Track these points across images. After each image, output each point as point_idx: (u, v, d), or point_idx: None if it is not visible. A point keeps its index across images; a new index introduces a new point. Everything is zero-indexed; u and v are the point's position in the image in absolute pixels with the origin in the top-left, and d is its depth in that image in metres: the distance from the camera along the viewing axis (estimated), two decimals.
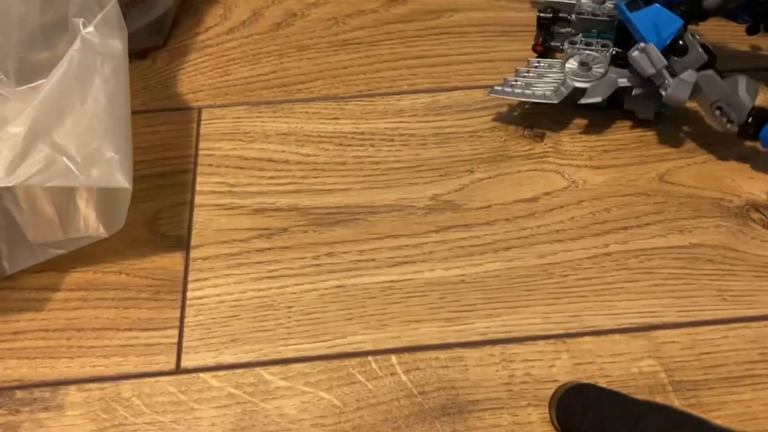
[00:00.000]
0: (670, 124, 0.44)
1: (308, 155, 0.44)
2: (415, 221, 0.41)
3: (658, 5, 0.40)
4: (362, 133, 0.46)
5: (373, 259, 0.39)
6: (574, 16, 0.47)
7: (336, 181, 0.43)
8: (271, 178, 0.43)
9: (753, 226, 0.41)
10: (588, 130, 0.46)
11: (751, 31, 0.45)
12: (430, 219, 0.41)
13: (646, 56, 0.40)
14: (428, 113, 0.47)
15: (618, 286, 0.38)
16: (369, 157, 0.44)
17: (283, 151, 0.45)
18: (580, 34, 0.46)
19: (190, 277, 0.38)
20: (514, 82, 0.45)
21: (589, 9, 0.47)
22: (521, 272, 0.38)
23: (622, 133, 0.46)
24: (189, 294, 0.37)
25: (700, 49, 0.40)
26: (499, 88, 0.44)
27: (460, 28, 0.53)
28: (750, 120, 0.41)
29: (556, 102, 0.43)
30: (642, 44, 0.40)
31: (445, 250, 0.39)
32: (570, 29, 0.47)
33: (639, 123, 0.45)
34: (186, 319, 0.36)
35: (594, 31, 0.46)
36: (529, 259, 0.39)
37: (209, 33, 0.52)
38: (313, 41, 0.52)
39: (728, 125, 0.41)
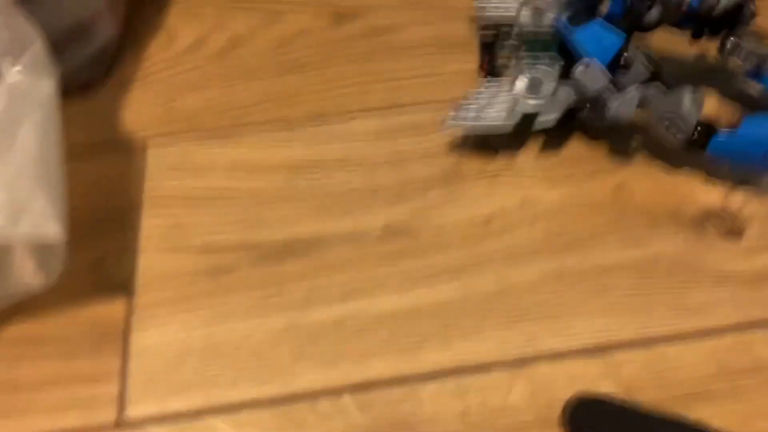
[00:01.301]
0: (624, 136, 0.44)
1: (257, 186, 0.43)
2: (368, 250, 0.40)
3: (599, 20, 0.39)
4: (313, 159, 0.45)
5: (324, 294, 0.38)
6: (515, 30, 0.47)
7: (286, 213, 0.42)
8: (219, 213, 0.42)
9: (710, 233, 0.40)
10: (542, 145, 0.45)
11: (695, 37, 0.45)
12: (383, 247, 0.40)
13: (590, 73, 0.40)
14: (380, 134, 0.46)
15: (574, 305, 0.37)
16: (320, 184, 0.44)
17: (232, 183, 0.43)
18: (524, 49, 0.45)
19: (134, 324, 0.37)
20: (466, 109, 0.44)
21: (530, 23, 0.46)
22: (476, 297, 0.38)
23: (576, 146, 0.45)
24: (132, 342, 0.36)
25: (644, 63, 0.39)
26: (452, 117, 0.44)
27: (410, 44, 0.52)
28: (697, 133, 0.40)
29: (510, 129, 0.42)
30: (585, 61, 0.40)
31: (399, 278, 0.39)
32: (513, 44, 0.47)
33: (593, 135, 0.45)
34: (129, 369, 0.35)
35: (539, 44, 0.45)
36: (483, 283, 0.38)
37: (154, 62, 0.51)
38: (261, 65, 0.51)
39: (676, 138, 0.41)
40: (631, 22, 0.40)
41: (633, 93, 0.40)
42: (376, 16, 0.54)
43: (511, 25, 0.47)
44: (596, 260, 0.39)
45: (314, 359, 0.35)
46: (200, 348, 0.36)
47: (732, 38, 0.43)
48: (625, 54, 0.40)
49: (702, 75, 0.48)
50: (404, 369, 0.35)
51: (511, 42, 0.47)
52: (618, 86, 0.40)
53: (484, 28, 0.47)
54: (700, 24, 0.43)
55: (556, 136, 0.45)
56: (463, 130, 0.44)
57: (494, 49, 0.48)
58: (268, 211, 0.42)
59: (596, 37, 0.40)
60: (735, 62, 0.43)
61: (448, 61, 0.50)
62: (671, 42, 0.45)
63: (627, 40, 0.40)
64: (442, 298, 0.38)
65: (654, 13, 0.40)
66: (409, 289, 0.38)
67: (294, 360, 0.35)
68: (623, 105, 0.40)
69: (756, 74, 0.43)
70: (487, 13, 0.49)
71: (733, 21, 0.43)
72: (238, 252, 0.40)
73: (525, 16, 0.47)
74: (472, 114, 0.44)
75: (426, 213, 0.41)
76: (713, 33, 0.44)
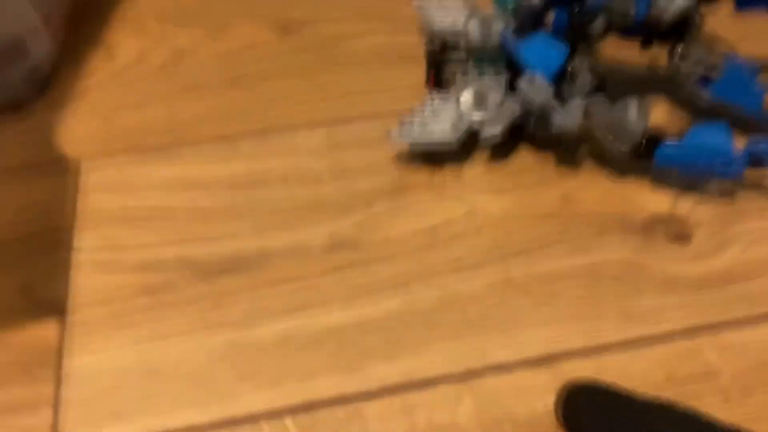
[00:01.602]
0: (571, 146, 0.43)
1: (197, 203, 0.42)
2: (311, 263, 0.39)
3: (543, 32, 0.39)
4: (255, 175, 0.44)
5: (266, 310, 0.37)
6: (462, 42, 0.46)
7: (227, 229, 0.40)
8: (157, 230, 0.40)
9: (658, 240, 0.40)
10: (489, 156, 0.44)
11: (645, 45, 0.45)
12: (327, 259, 0.39)
13: (534, 87, 0.39)
14: (325, 148, 0.45)
15: (521, 314, 0.36)
16: (262, 199, 0.42)
17: (171, 201, 0.42)
18: (472, 62, 0.45)
19: (67, 347, 0.35)
20: (410, 123, 0.43)
21: (477, 36, 0.46)
22: (422, 308, 0.37)
23: (523, 157, 0.45)
24: (65, 366, 0.35)
25: (589, 74, 0.39)
26: (397, 132, 0.43)
27: (358, 56, 0.52)
28: (643, 143, 0.40)
29: (454, 143, 0.42)
30: (529, 74, 0.39)
31: (343, 291, 0.37)
32: (461, 57, 0.46)
33: (541, 144, 0.44)
34: (63, 395, 0.33)
35: (486, 56, 0.45)
36: (429, 294, 0.37)
37: (92, 78, 0.50)
38: (204, 79, 0.50)
39: (622, 150, 0.41)
40: (576, 33, 0.40)
41: (577, 106, 0.39)
42: (324, 27, 0.53)
43: (458, 37, 0.47)
44: (544, 268, 0.38)
45: (255, 379, 0.34)
46: (137, 370, 0.34)
47: (681, 46, 0.43)
48: (570, 66, 0.40)
49: (652, 82, 0.48)
50: (348, 387, 0.34)
51: (459, 54, 0.47)
52: (563, 99, 0.40)
53: (431, 40, 0.46)
54: (649, 32, 0.44)
55: (503, 148, 0.44)
56: (409, 145, 0.43)
57: (441, 62, 0.47)
58: (209, 227, 0.41)
59: (540, 50, 0.39)
60: (684, 70, 0.43)
61: (398, 73, 0.49)
62: (622, 49, 0.45)
63: (571, 52, 0.40)
64: (388, 311, 0.37)
65: (599, 24, 0.39)
66: (354, 303, 0.37)
67: (235, 381, 0.34)
68: (568, 118, 0.39)
69: (705, 81, 0.43)
70: (434, 26, 0.49)
71: (681, 29, 0.43)
72: (176, 269, 0.39)
73: (472, 28, 0.46)
74: (416, 128, 0.43)
75: (371, 225, 0.41)
76: (663, 40, 0.44)
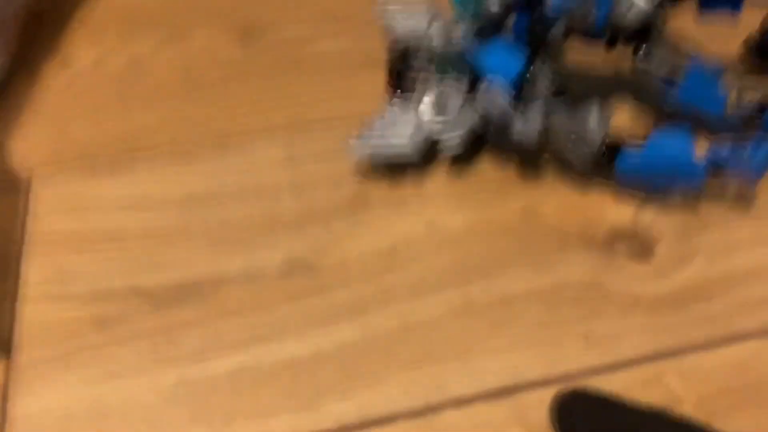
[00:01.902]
0: (533, 155, 0.42)
1: (150, 223, 0.41)
2: (266, 290, 0.38)
3: (502, 39, 0.38)
4: (211, 190, 0.42)
5: (219, 342, 0.36)
6: (424, 45, 0.45)
7: (180, 252, 0.39)
8: (108, 256, 0.39)
9: (618, 257, 0.39)
10: (451, 166, 0.43)
11: (609, 47, 0.43)
12: (282, 285, 0.38)
13: (491, 94, 0.38)
14: (284, 160, 0.44)
15: (480, 340, 0.36)
16: (217, 218, 0.41)
17: (123, 222, 0.41)
18: (434, 66, 0.43)
19: (11, 388, 0.34)
20: (369, 132, 0.42)
21: (439, 41, 0.44)
22: (379, 337, 0.36)
23: (485, 167, 0.44)
24: (9, 409, 0.34)
25: (550, 80, 0.38)
26: (356, 141, 0.42)
27: (322, 60, 0.50)
28: (603, 151, 0.39)
29: (413, 154, 0.41)
30: (487, 82, 0.38)
31: (299, 320, 0.37)
32: (422, 61, 0.45)
33: (503, 154, 0.43)
34: None
35: (448, 60, 0.43)
36: (387, 322, 0.36)
37: (47, 88, 0.48)
38: (161, 88, 0.48)
39: (582, 157, 0.40)
40: (536, 38, 0.39)
41: (536, 113, 0.38)
42: (286, 30, 0.52)
43: (420, 42, 0.45)
44: (503, 289, 0.38)
45: (206, 420, 0.33)
46: (86, 412, 0.34)
47: (645, 46, 0.42)
48: (529, 72, 0.38)
49: (617, 85, 0.47)
50: (303, 427, 0.33)
51: (420, 58, 0.45)
52: (522, 106, 0.39)
53: (392, 44, 0.45)
54: (612, 35, 0.42)
55: (465, 157, 0.43)
56: (368, 155, 0.42)
57: (402, 67, 0.46)
58: (161, 251, 0.39)
59: (499, 56, 0.38)
60: (648, 71, 0.42)
61: (363, 78, 0.48)
62: (587, 50, 0.43)
63: (532, 58, 0.38)
64: (344, 340, 0.36)
65: (559, 29, 0.38)
66: (309, 333, 0.36)
67: (186, 422, 0.33)
68: (527, 126, 0.38)
69: (669, 83, 0.42)
70: (396, 30, 0.47)
71: (645, 31, 0.42)
72: (128, 299, 0.37)
73: (434, 32, 0.45)
74: (375, 140, 0.42)
75: (328, 246, 0.39)
76: (628, 41, 0.43)
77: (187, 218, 0.41)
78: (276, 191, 0.42)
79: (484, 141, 0.43)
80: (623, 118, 0.46)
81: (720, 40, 0.46)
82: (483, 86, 0.38)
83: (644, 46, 0.41)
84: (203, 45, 0.51)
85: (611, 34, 0.42)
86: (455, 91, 0.42)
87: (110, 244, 0.40)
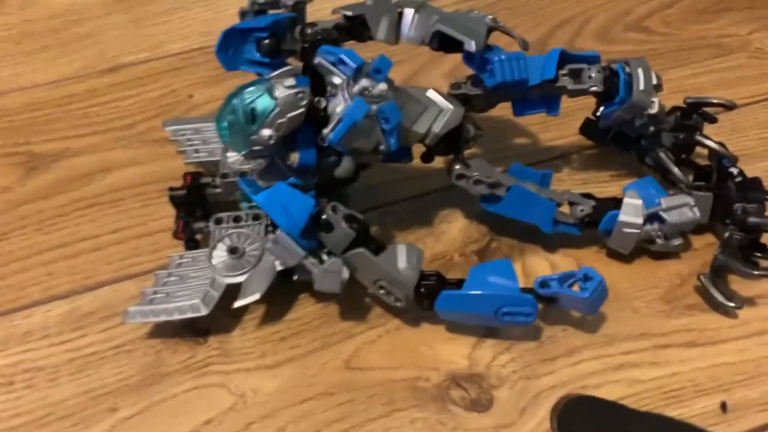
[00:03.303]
0: (356, 288, 0.37)
1: None
2: None
3: (281, 183, 0.33)
4: None
5: None
6: (218, 179, 0.39)
7: None
8: None
9: (454, 410, 0.34)
10: (261, 314, 0.38)
11: (425, 160, 0.39)
12: None
13: (280, 249, 0.33)
14: (64, 329, 0.38)
15: None
16: None
17: None
18: (239, 203, 0.38)
19: None
20: (153, 295, 0.36)
21: (236, 168, 0.39)
22: None
23: (302, 308, 0.38)
24: None
25: (345, 225, 0.33)
26: (135, 309, 0.35)
27: (113, 193, 0.44)
28: (421, 292, 0.34)
29: (205, 314, 0.35)
30: (273, 236, 0.33)
31: None
32: (219, 194, 0.39)
33: (321, 293, 0.37)
34: None
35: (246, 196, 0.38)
36: None
37: None
38: None
39: (396, 303, 0.34)
40: (324, 174, 0.34)
41: (335, 263, 0.33)
42: (78, 158, 0.45)
43: (213, 174, 0.40)
44: None
45: None
46: None
47: (457, 166, 0.37)
48: (323, 217, 0.33)
49: (444, 200, 0.43)
50: None
51: (217, 190, 0.40)
52: (324, 251, 0.34)
53: (176, 188, 0.39)
54: (429, 150, 0.38)
55: (279, 300, 0.38)
56: (151, 321, 0.36)
57: (193, 204, 0.40)
58: None
59: (283, 203, 0.33)
60: (467, 189, 0.38)
61: (159, 212, 0.42)
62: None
63: (325, 200, 0.34)
64: None
65: (347, 165, 0.33)
66: None
67: None
68: (326, 279, 0.33)
69: (489, 200, 0.38)
70: (188, 157, 0.42)
71: (455, 143, 0.38)
72: None
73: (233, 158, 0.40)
74: (159, 301, 0.36)
75: None
76: (441, 154, 0.39)
77: None
78: (53, 373, 0.37)
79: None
80: (455, 236, 0.41)
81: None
82: (270, 239, 0.33)
83: (456, 166, 0.37)
84: None
85: (428, 150, 0.38)
86: (254, 233, 0.37)
87: None
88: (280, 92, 0.32)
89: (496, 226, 0.41)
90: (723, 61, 0.51)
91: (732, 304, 0.37)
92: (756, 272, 0.35)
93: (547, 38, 0.53)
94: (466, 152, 0.38)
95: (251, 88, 0.32)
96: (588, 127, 0.45)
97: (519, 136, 0.46)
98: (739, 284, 0.38)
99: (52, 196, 0.44)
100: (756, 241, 0.37)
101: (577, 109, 0.46)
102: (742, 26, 0.53)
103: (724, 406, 0.34)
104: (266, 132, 0.32)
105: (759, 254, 0.37)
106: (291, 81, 0.32)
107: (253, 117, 0.32)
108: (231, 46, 0.35)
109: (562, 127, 0.46)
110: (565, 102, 0.39)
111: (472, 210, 0.42)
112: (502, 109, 0.40)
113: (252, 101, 0.32)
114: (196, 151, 0.42)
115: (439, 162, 0.39)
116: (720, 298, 0.37)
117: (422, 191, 0.43)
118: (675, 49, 0.52)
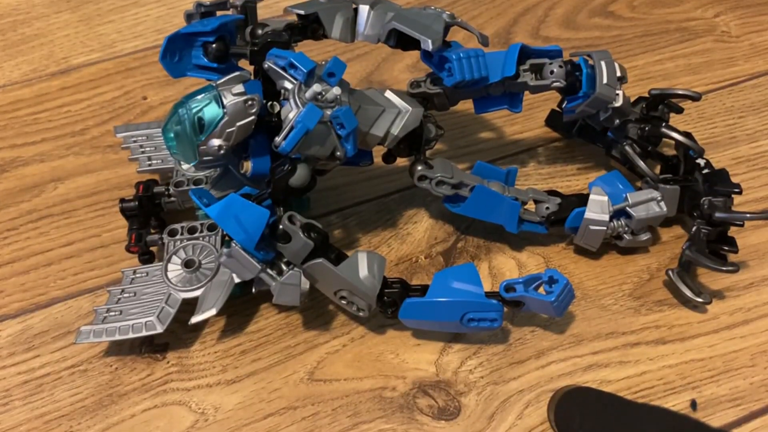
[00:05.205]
0: (319, 296, 0.36)
1: None
2: None
3: (234, 195, 0.31)
4: None
5: None
6: (172, 188, 0.38)
7: None
8: None
9: (421, 419, 0.33)
10: (221, 326, 0.36)
11: (387, 161, 0.38)
12: None
13: (234, 262, 0.31)
14: (16, 350, 0.36)
15: None
16: None
17: None
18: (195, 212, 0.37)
19: None
20: (106, 314, 0.34)
21: (190, 176, 0.38)
22: None
23: (263, 319, 0.37)
24: None
25: (303, 235, 0.31)
26: (88, 328, 0.34)
27: (66, 204, 0.42)
28: (384, 301, 0.33)
29: (161, 331, 0.33)
30: (227, 250, 0.31)
31: None
32: (175, 204, 0.38)
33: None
34: None
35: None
36: None
37: None
38: None
39: (359, 313, 0.33)
40: (279, 183, 0.32)
41: (293, 275, 0.32)
42: (27, 167, 0.44)
43: (167, 183, 0.39)
44: None
45: None
46: None
47: (419, 168, 0.36)
48: (280, 227, 0.32)
49: (409, 199, 0.42)
50: None
51: (167, 202, 0.38)
52: (283, 261, 0.32)
53: (127, 200, 0.38)
54: (390, 152, 0.37)
55: (241, 311, 0.37)
56: (103, 341, 0.35)
57: (146, 215, 0.39)
58: None
59: (235, 215, 0.31)
60: (430, 190, 0.37)
61: (114, 221, 0.41)
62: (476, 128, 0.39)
63: (281, 209, 0.32)
64: None
65: (302, 173, 0.32)
66: None
67: None
68: (285, 293, 0.32)
69: (453, 200, 0.37)
70: (141, 165, 0.40)
71: (416, 144, 0.37)
72: None
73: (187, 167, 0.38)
74: (113, 320, 0.34)
75: None
76: (403, 155, 0.38)
77: None
78: (4, 397, 0.34)
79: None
80: (421, 237, 0.40)
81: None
82: (224, 253, 0.31)
83: (417, 167, 0.36)
84: None
85: (390, 152, 0.37)
86: (210, 244, 0.36)
87: None
88: (228, 100, 0.30)
89: (462, 226, 0.40)
90: (689, 45, 0.50)
91: (701, 300, 0.36)
92: (724, 268, 0.35)
93: (512, 26, 0.51)
94: (429, 151, 0.37)
95: (198, 97, 0.30)
96: (554, 119, 0.44)
97: (483, 131, 0.45)
98: (707, 277, 0.38)
99: (1, 209, 0.42)
100: (724, 234, 0.36)
101: (543, 101, 0.45)
102: (708, 9, 0.52)
103: (694, 404, 0.33)
104: (215, 142, 0.30)
105: (727, 248, 0.36)
106: (239, 88, 0.30)
107: (200, 127, 0.30)
108: (177, 52, 0.33)
109: (527, 119, 0.45)
110: (530, 93, 0.38)
111: (437, 209, 0.41)
112: (465, 104, 0.39)
113: (199, 110, 0.30)
114: (149, 158, 0.40)
115: (402, 160, 0.38)
116: (688, 293, 0.36)
117: (386, 191, 0.42)
118: (641, 35, 0.51)
